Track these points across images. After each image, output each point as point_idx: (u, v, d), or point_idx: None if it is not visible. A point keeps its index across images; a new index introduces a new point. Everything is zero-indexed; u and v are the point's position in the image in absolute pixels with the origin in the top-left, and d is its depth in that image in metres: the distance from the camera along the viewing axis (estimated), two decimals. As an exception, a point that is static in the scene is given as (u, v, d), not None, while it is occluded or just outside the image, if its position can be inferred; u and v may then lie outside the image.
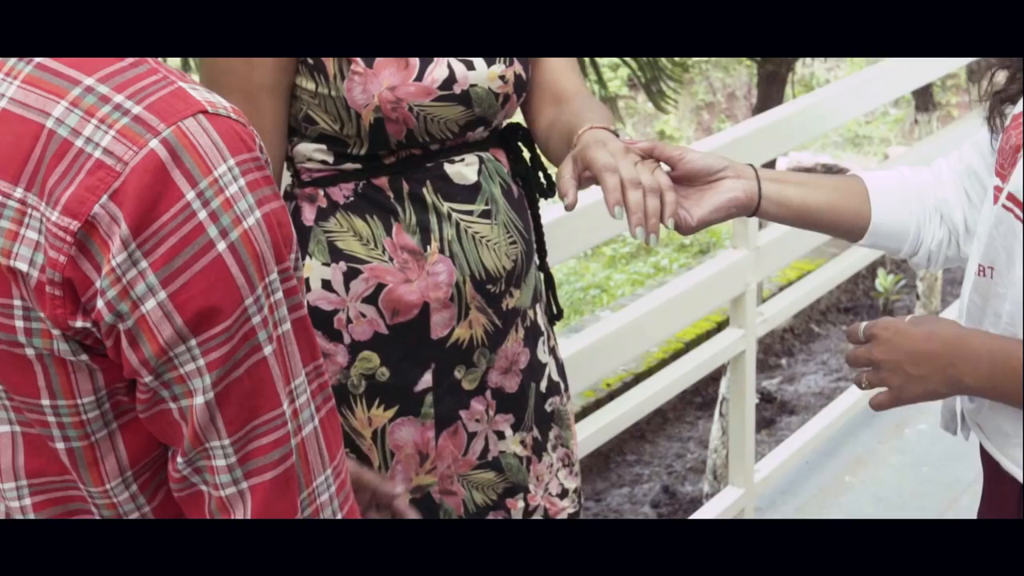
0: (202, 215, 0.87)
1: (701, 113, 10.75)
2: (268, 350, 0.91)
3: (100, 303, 0.86)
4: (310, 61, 1.54)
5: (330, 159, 1.59)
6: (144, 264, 0.86)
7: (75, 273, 0.86)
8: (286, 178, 1.67)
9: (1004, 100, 1.44)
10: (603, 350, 2.49)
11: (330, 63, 1.53)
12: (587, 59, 3.60)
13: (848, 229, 1.54)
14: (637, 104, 9.69)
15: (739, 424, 2.99)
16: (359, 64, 1.52)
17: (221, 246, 0.88)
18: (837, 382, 5.07)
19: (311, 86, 1.55)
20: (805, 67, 5.05)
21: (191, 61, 3.71)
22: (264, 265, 0.90)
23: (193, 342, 0.88)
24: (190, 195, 0.86)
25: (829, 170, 6.65)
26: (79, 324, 0.88)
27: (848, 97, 3.06)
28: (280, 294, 0.92)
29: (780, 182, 1.50)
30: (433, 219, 1.59)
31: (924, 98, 5.29)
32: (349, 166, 1.59)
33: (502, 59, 1.61)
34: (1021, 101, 1.41)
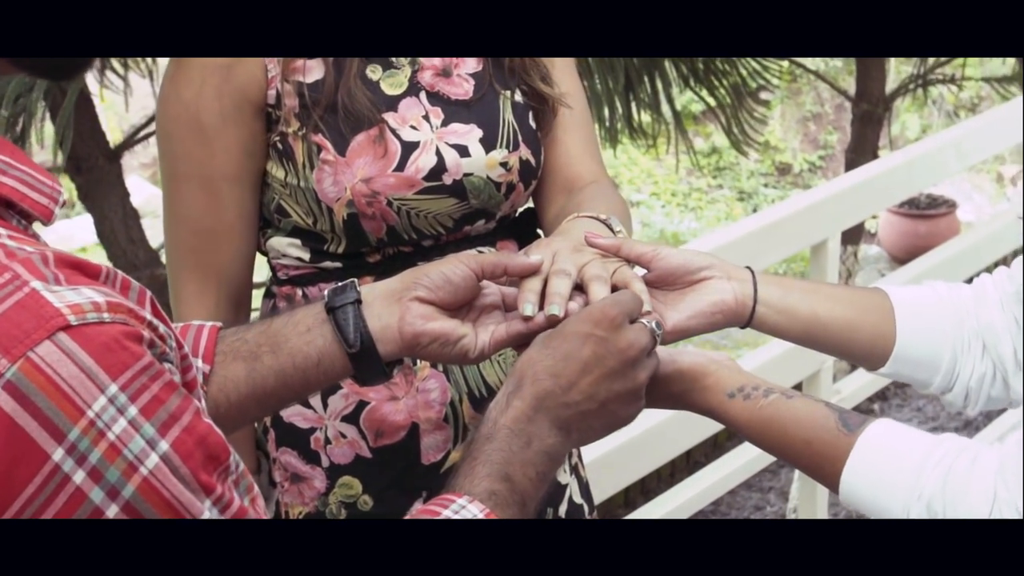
0: (78, 477, 0.66)
1: (807, 124, 10.43)
2: None
3: None
4: (279, 146, 1.33)
5: (306, 256, 1.39)
6: None
7: None
8: (267, 271, 1.46)
9: None
10: (657, 438, 2.26)
11: (299, 149, 1.32)
12: (658, 78, 3.29)
13: (865, 353, 1.27)
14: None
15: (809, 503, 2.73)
16: (329, 151, 1.31)
17: (112, 511, 0.67)
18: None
19: (280, 175, 1.34)
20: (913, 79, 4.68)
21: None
22: (185, 508, 0.70)
23: None
24: (57, 455, 0.65)
25: (934, 201, 6.24)
26: None
27: (947, 153, 2.78)
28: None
29: (784, 287, 1.25)
30: None
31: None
32: (328, 264, 1.38)
33: (504, 144, 1.39)
34: None
